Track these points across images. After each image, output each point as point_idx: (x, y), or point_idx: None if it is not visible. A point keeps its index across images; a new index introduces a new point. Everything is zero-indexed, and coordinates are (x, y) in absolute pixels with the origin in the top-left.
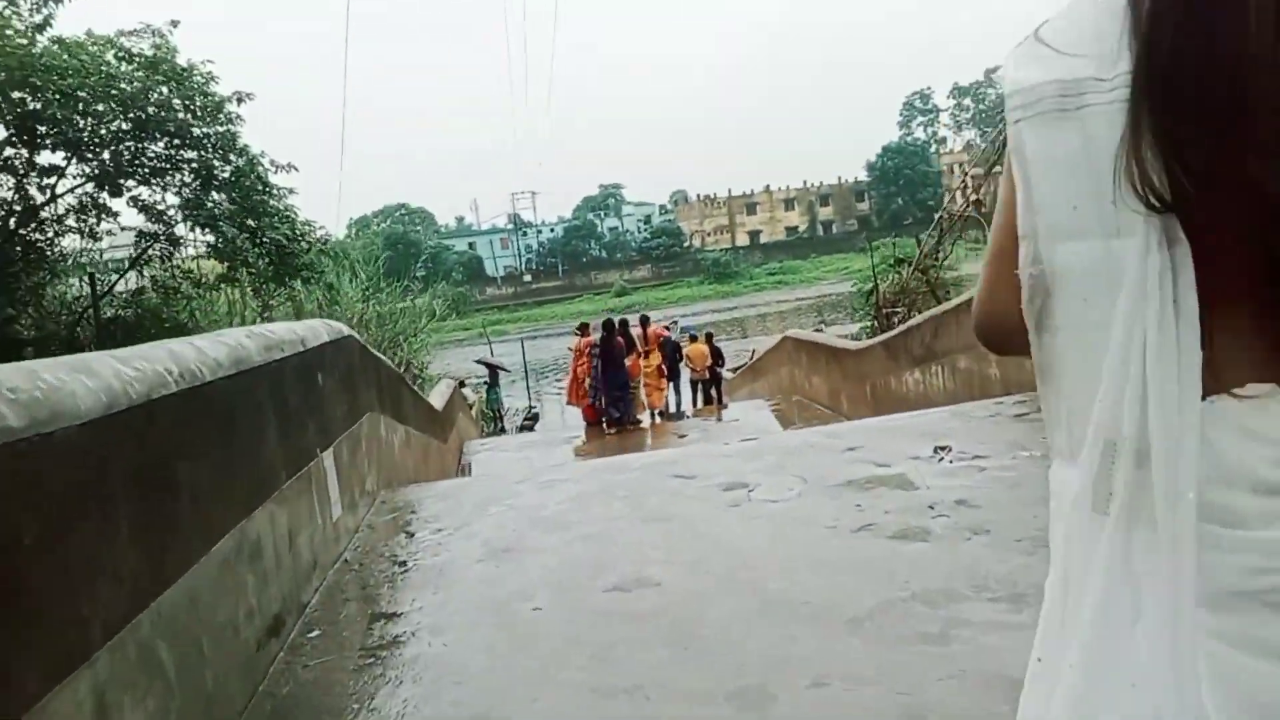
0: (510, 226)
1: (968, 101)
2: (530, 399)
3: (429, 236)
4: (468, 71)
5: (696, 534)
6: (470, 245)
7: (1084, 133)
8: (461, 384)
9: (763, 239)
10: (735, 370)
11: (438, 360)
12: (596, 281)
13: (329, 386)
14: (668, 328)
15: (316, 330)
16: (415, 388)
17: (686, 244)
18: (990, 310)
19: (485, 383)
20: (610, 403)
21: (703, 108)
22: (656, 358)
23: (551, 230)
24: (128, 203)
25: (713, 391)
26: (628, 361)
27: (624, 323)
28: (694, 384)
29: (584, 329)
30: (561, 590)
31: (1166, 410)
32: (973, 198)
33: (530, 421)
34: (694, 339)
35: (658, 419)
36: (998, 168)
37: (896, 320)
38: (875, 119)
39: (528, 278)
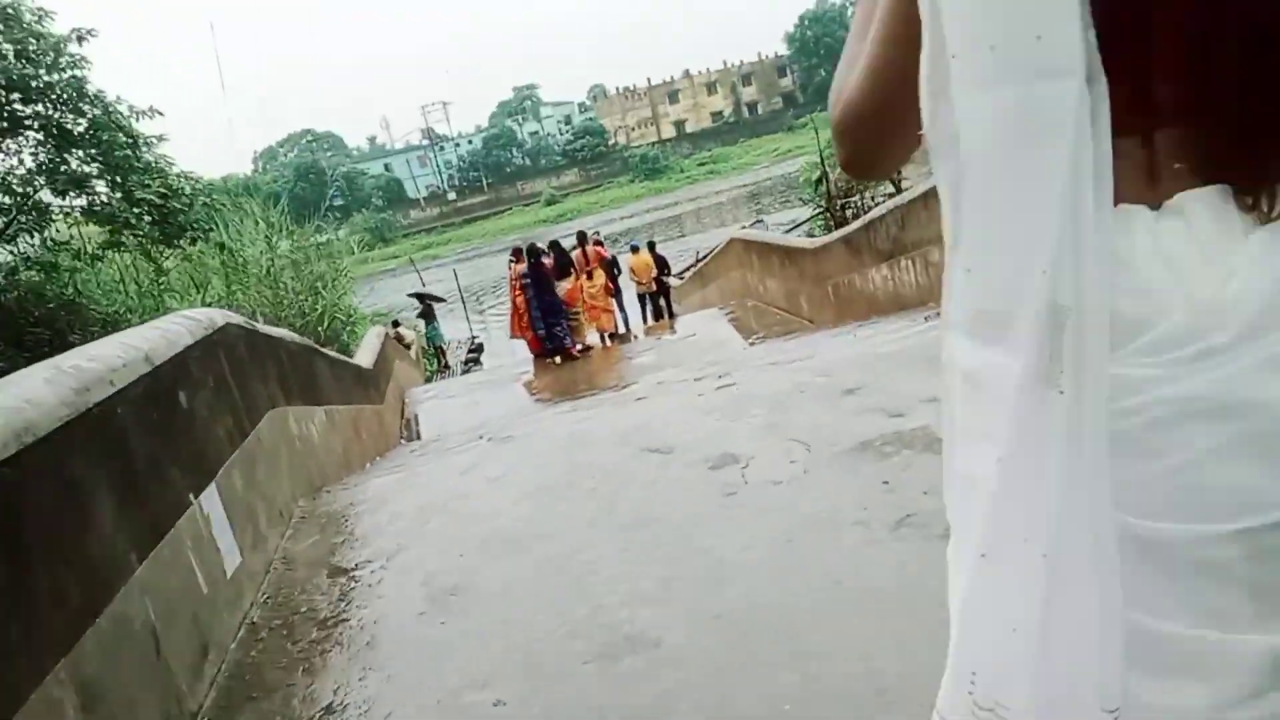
0: (426, 143)
1: None
2: (471, 328)
3: (341, 162)
4: None
5: (691, 548)
6: (386, 167)
7: None
8: (395, 324)
9: (689, 128)
10: (681, 275)
11: (370, 295)
12: (524, 192)
13: (201, 403)
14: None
15: (171, 334)
16: (340, 345)
17: (611, 142)
18: (871, 107)
19: (421, 317)
20: (548, 331)
21: None
22: (601, 277)
23: (470, 142)
24: None
25: (661, 303)
26: (566, 285)
27: (554, 244)
28: (641, 298)
29: (518, 255)
30: (529, 664)
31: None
32: None
33: (475, 354)
34: (635, 250)
35: (608, 342)
36: None
37: (850, 213)
38: None
39: (452, 195)
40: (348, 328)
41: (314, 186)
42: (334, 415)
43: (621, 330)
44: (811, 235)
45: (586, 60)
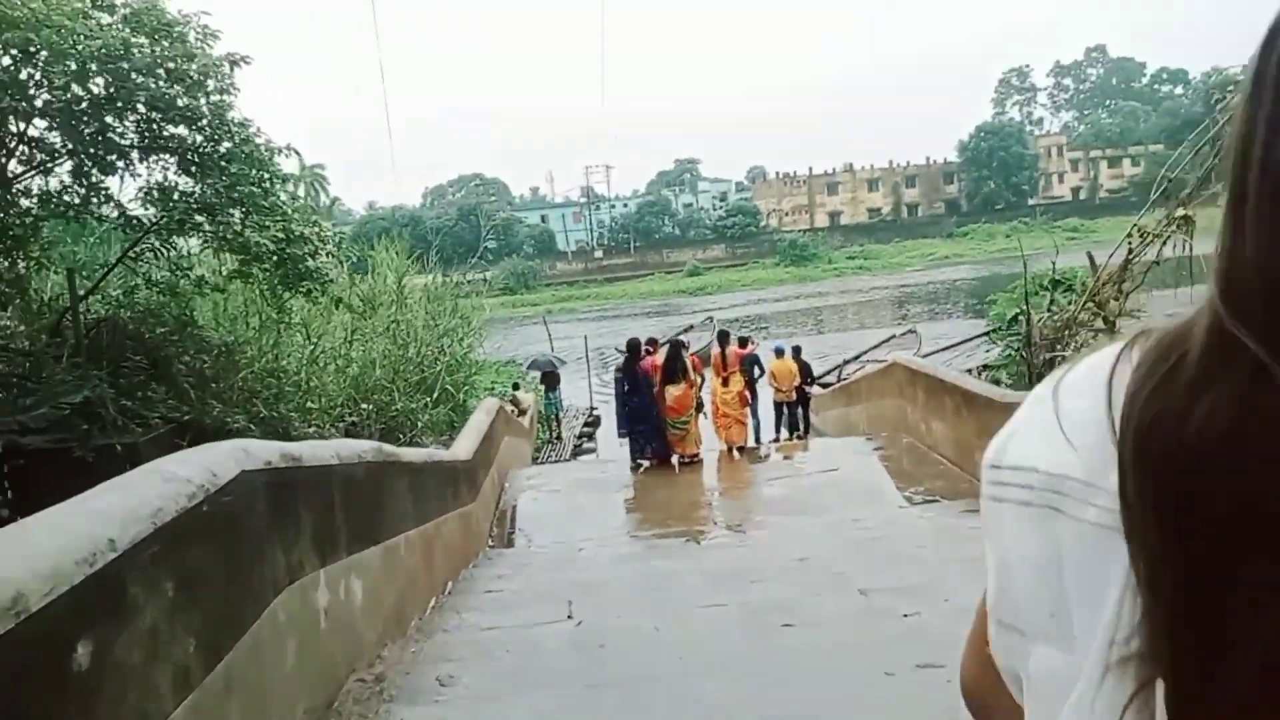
0: (583, 200)
1: (1067, 81)
2: (592, 396)
3: (502, 208)
4: (545, 40)
5: None
6: (543, 218)
7: (1062, 541)
8: (516, 386)
9: (843, 220)
10: (825, 383)
11: (504, 341)
12: (668, 260)
13: (132, 645)
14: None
15: (116, 521)
16: (456, 404)
17: (763, 224)
18: (973, 678)
19: (542, 384)
20: (631, 437)
21: (785, 81)
22: (738, 383)
23: (625, 205)
24: (90, 192)
25: (799, 414)
26: (676, 391)
27: (675, 345)
28: (778, 407)
29: (652, 345)
30: None
31: None
32: (1179, 212)
33: (590, 428)
34: (780, 354)
35: (736, 455)
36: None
37: (1057, 364)
38: (967, 97)
39: (599, 253)
40: (467, 385)
41: (474, 228)
42: (397, 550)
43: (752, 444)
44: (998, 382)
45: (750, 142)
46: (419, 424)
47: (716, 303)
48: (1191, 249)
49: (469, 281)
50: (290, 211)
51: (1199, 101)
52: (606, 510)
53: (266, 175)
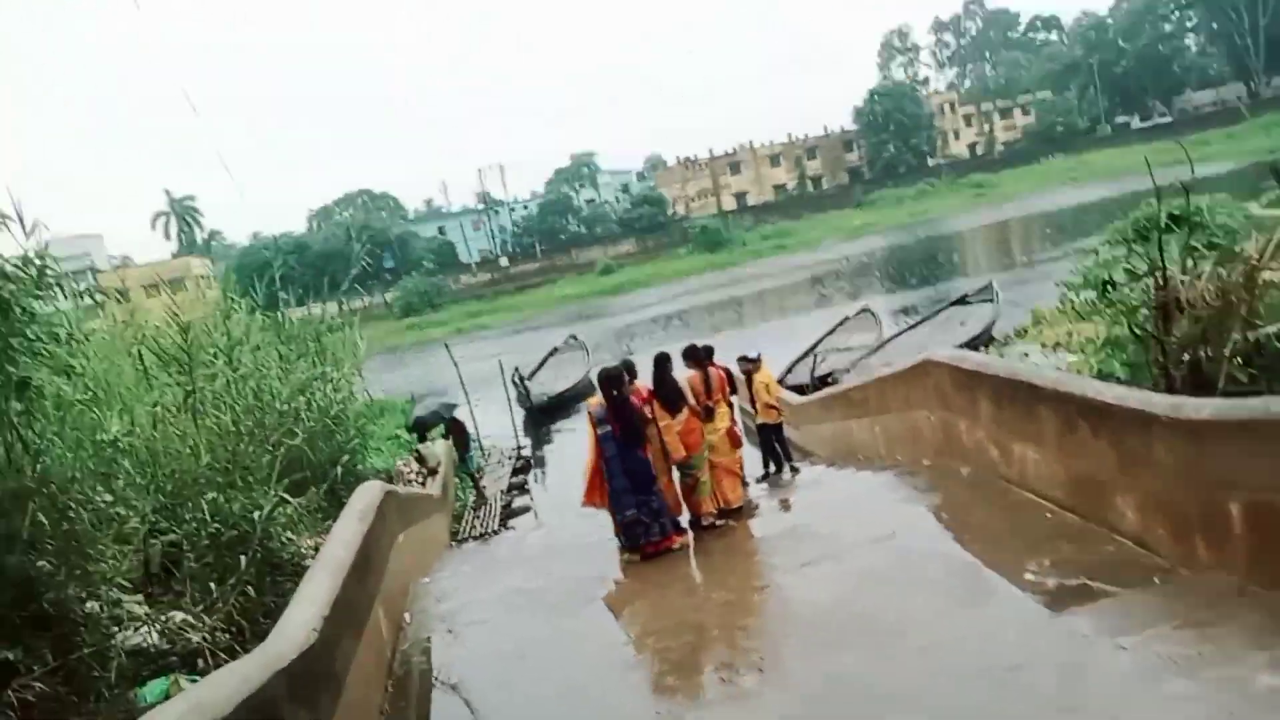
0: (481, 206)
1: (948, 37)
2: (516, 431)
3: (395, 223)
4: (425, 38)
5: None
6: (440, 230)
7: None
8: (422, 438)
9: (750, 200)
10: (796, 387)
11: (409, 368)
12: (579, 260)
13: None
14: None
15: None
16: (346, 468)
17: (670, 212)
18: None
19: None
20: (636, 512)
21: (672, 62)
22: (725, 418)
23: (525, 207)
24: None
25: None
26: (677, 425)
27: (661, 359)
28: (762, 432)
29: (605, 385)
30: None
31: None
32: None
33: (521, 476)
34: (754, 362)
35: (729, 523)
36: None
37: (1207, 352)
38: (854, 65)
39: (504, 261)
40: (351, 446)
41: (365, 248)
42: None
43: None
44: (1104, 376)
45: (643, 131)
46: (279, 523)
47: (640, 300)
48: None
49: (363, 308)
50: None
51: (1075, 45)
52: (567, 660)
53: None
